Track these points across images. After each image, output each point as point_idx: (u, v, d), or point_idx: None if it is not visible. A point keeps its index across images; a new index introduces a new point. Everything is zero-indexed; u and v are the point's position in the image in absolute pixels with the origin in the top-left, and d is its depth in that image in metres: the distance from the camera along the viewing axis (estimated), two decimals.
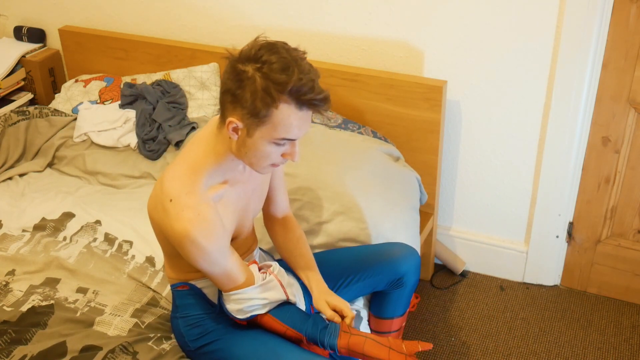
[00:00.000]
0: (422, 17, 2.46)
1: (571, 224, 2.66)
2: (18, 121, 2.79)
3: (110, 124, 2.74)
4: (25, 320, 1.97)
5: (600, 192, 2.55)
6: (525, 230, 2.73)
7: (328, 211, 2.22)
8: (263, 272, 1.75)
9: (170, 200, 1.56)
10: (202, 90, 2.78)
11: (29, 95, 3.17)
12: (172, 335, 1.92)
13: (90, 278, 2.16)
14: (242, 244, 1.82)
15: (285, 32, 2.70)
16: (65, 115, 2.85)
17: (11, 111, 2.84)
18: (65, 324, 1.96)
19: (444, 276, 2.86)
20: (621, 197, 2.53)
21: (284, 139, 1.50)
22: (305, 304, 1.88)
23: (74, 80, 3.01)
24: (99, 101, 2.88)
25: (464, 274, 2.86)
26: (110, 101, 2.85)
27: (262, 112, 1.46)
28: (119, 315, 2.00)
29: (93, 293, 2.10)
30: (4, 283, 2.15)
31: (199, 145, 1.63)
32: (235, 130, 1.52)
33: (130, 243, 2.30)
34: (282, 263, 1.93)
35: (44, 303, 2.04)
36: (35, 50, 3.20)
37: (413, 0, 2.44)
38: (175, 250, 1.64)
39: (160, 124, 2.68)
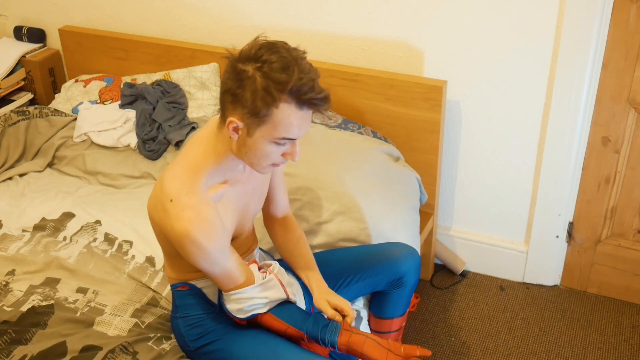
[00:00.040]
0: (422, 17, 2.46)
1: (571, 224, 2.66)
2: (18, 121, 2.79)
3: (110, 124, 2.74)
4: (25, 320, 1.97)
5: (600, 192, 2.55)
6: (525, 230, 2.73)
7: (328, 211, 2.22)
8: (263, 272, 1.75)
9: (171, 200, 1.56)
10: (202, 90, 2.78)
11: (29, 95, 3.17)
12: (172, 335, 1.92)
13: (90, 278, 2.16)
14: (242, 243, 1.82)
15: (285, 32, 2.70)
16: (65, 115, 2.85)
17: (11, 111, 2.84)
18: (65, 324, 1.96)
19: (444, 276, 2.86)
20: (621, 197, 2.53)
21: (284, 138, 1.51)
22: (305, 304, 1.89)
23: (74, 80, 3.01)
24: (99, 101, 2.88)
25: (464, 274, 2.86)
26: (110, 101, 2.85)
27: (263, 112, 1.46)
28: (119, 315, 2.00)
29: (93, 293, 2.10)
30: (4, 283, 2.15)
31: (199, 145, 1.63)
32: (236, 129, 1.52)
33: (130, 243, 2.30)
34: (282, 263, 1.93)
35: (44, 303, 2.04)
36: (35, 50, 3.20)
37: (413, 0, 2.45)
38: (175, 250, 1.64)
39: (160, 124, 2.68)
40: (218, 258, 1.60)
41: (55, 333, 1.92)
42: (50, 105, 2.92)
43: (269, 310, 1.73)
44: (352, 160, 2.36)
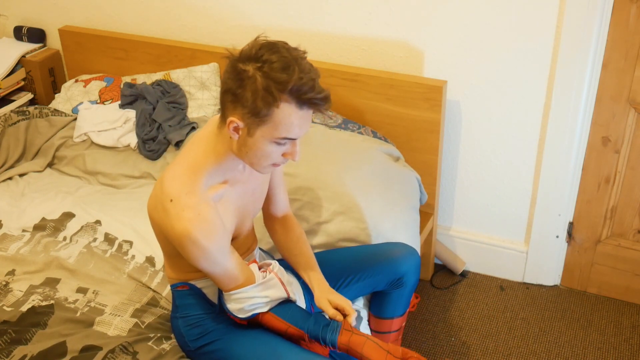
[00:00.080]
0: (422, 17, 2.46)
1: (571, 224, 2.66)
2: (18, 121, 2.79)
3: (110, 124, 2.74)
4: (25, 320, 1.97)
5: (600, 192, 2.55)
6: (525, 230, 2.73)
7: (328, 211, 2.22)
8: (263, 271, 1.75)
9: (171, 200, 1.56)
10: (202, 90, 2.78)
11: (29, 95, 3.17)
12: (172, 335, 1.92)
13: (90, 278, 2.16)
14: (242, 243, 1.82)
15: (285, 32, 2.70)
16: (65, 115, 2.85)
17: (11, 111, 2.84)
18: (65, 324, 1.96)
19: (444, 276, 2.86)
20: (621, 197, 2.53)
21: (284, 138, 1.51)
22: (306, 303, 1.89)
23: (74, 80, 3.01)
24: (99, 101, 2.88)
25: (464, 274, 2.86)
26: (110, 101, 2.85)
27: (263, 112, 1.46)
28: (119, 315, 2.00)
29: (93, 293, 2.10)
30: (4, 283, 2.15)
31: (199, 145, 1.63)
32: (236, 129, 1.52)
33: (130, 243, 2.30)
34: (283, 262, 1.93)
35: (44, 303, 2.04)
36: (35, 50, 3.20)
37: (413, 0, 2.45)
38: (175, 250, 1.64)
39: (160, 124, 2.68)
40: (218, 258, 1.60)
41: (55, 333, 1.92)
42: (50, 105, 2.92)
43: (269, 310, 1.73)
44: (352, 160, 2.36)
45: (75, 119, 2.83)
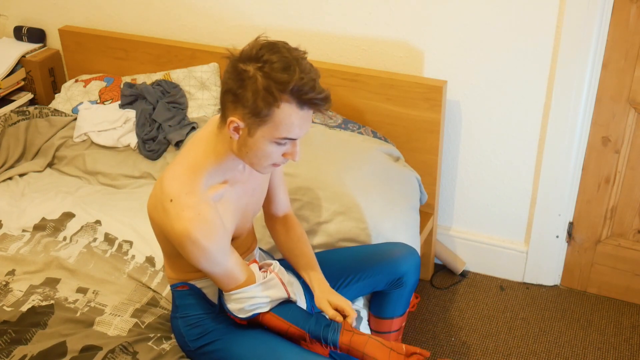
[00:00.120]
0: (422, 17, 2.46)
1: (571, 224, 2.66)
2: (18, 121, 2.79)
3: (110, 124, 2.74)
4: (25, 320, 1.97)
5: (600, 192, 2.56)
6: (525, 230, 2.73)
7: (328, 211, 2.22)
8: (264, 271, 1.75)
9: (171, 200, 1.56)
10: (202, 90, 2.78)
11: (29, 95, 3.17)
12: (172, 335, 1.92)
13: (90, 278, 2.16)
14: (242, 243, 1.82)
15: (285, 32, 2.70)
16: (65, 115, 2.85)
17: (11, 111, 2.84)
18: (65, 324, 1.96)
19: (444, 276, 2.86)
20: (621, 197, 2.53)
21: (285, 138, 1.51)
22: (306, 303, 1.89)
23: (74, 80, 3.01)
24: (99, 101, 2.88)
25: (464, 274, 2.86)
26: (110, 101, 2.85)
27: (264, 112, 1.46)
28: (119, 315, 2.00)
29: (93, 293, 2.10)
30: (4, 283, 2.15)
31: (199, 145, 1.63)
32: (237, 129, 1.52)
33: (130, 243, 2.30)
34: (283, 262, 1.93)
35: (44, 303, 2.04)
36: (35, 50, 3.20)
37: (413, 0, 2.45)
38: (175, 250, 1.64)
39: (160, 124, 2.68)
40: (218, 258, 1.60)
41: (55, 333, 1.92)
42: (50, 105, 2.92)
43: (270, 310, 1.73)
44: (352, 160, 2.36)
45: (75, 119, 2.83)
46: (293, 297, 1.77)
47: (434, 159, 2.55)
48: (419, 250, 2.28)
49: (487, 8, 2.36)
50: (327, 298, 1.78)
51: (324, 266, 1.91)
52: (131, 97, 2.79)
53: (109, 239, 2.32)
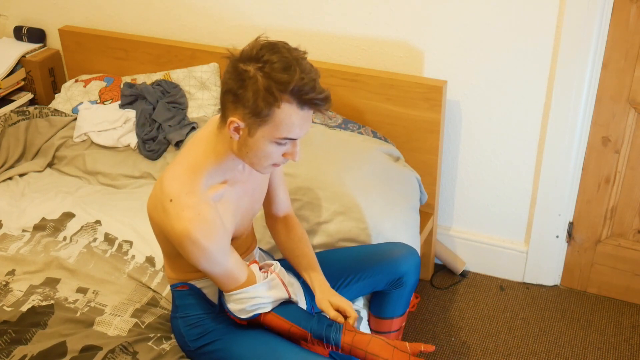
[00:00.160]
0: (422, 17, 2.46)
1: (571, 224, 2.66)
2: (18, 121, 2.79)
3: (110, 124, 2.74)
4: (25, 320, 1.97)
5: (600, 192, 2.56)
6: (525, 230, 2.73)
7: (328, 211, 2.22)
8: (264, 271, 1.75)
9: (170, 200, 1.56)
10: (202, 90, 2.78)
11: (29, 95, 3.17)
12: (172, 335, 1.92)
13: (90, 278, 2.16)
14: (241, 243, 1.82)
15: (285, 32, 2.70)
16: (65, 115, 2.85)
17: (11, 111, 2.84)
18: (65, 324, 1.96)
19: (444, 276, 2.86)
20: (621, 197, 2.53)
21: (285, 138, 1.51)
22: (306, 304, 1.88)
23: (74, 80, 3.01)
24: (99, 101, 2.88)
25: (464, 274, 2.86)
26: (110, 101, 2.85)
27: (264, 112, 1.46)
28: (119, 315, 2.00)
29: (93, 293, 2.10)
30: (4, 283, 2.15)
31: (199, 145, 1.63)
32: (237, 130, 1.52)
33: (130, 243, 2.30)
34: (283, 263, 1.93)
35: (44, 303, 2.04)
36: (35, 50, 3.20)
37: (413, 0, 2.45)
38: (175, 250, 1.64)
39: (160, 124, 2.68)
40: (218, 258, 1.60)
41: (55, 333, 1.92)
42: (50, 105, 2.92)
43: (272, 310, 1.73)
44: (352, 160, 2.36)
45: (75, 119, 2.83)
46: (294, 297, 1.77)
47: (434, 159, 2.55)
48: (419, 250, 2.28)
49: (487, 8, 2.36)
50: (328, 299, 1.78)
51: (324, 266, 1.91)
52: (131, 97, 2.79)
53: (109, 239, 2.32)
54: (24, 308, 2.02)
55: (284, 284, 1.74)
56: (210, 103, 2.78)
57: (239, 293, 1.68)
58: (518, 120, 2.51)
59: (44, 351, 1.85)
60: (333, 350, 1.74)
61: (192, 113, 2.76)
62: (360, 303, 2.11)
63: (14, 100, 3.09)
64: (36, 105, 2.90)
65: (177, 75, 2.81)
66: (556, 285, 2.79)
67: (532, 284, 2.79)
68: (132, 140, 2.70)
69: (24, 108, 2.86)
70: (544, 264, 2.73)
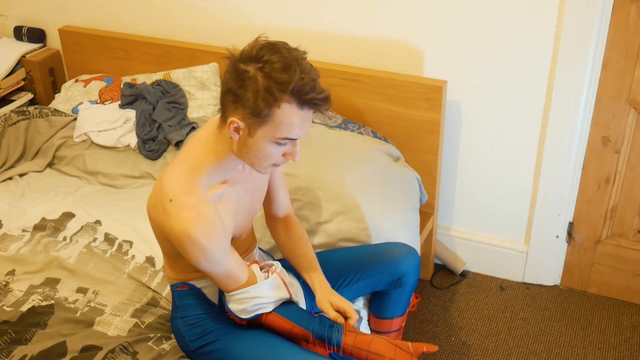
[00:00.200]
0: (422, 17, 2.46)
1: (571, 224, 2.66)
2: (18, 121, 2.79)
3: (110, 124, 2.74)
4: (25, 320, 1.97)
5: (600, 192, 2.56)
6: (525, 230, 2.73)
7: (328, 211, 2.22)
8: (265, 272, 1.75)
9: (170, 200, 1.56)
10: (202, 90, 2.78)
11: (29, 95, 3.17)
12: (172, 335, 1.92)
13: (90, 278, 2.16)
14: (241, 243, 1.82)
15: (285, 32, 2.70)
16: (65, 115, 2.85)
17: (11, 111, 2.84)
18: (65, 324, 1.96)
19: (444, 276, 2.86)
20: (621, 197, 2.53)
21: (285, 138, 1.51)
22: (306, 304, 1.88)
23: (74, 80, 3.01)
24: (99, 101, 2.88)
25: (464, 274, 2.86)
26: (110, 101, 2.86)
27: (264, 112, 1.46)
28: (119, 315, 2.00)
29: (93, 293, 2.10)
30: (4, 283, 2.15)
31: (199, 145, 1.63)
32: (237, 130, 1.52)
33: (130, 243, 2.30)
34: (283, 263, 1.93)
35: (44, 303, 2.04)
36: (35, 50, 3.20)
37: (413, 0, 2.45)
38: (174, 250, 1.64)
39: (160, 124, 2.68)
40: (218, 258, 1.60)
41: (55, 333, 1.92)
42: (50, 105, 2.92)
43: (273, 310, 1.73)
44: (352, 160, 2.36)
45: (75, 119, 2.83)
46: (295, 298, 1.77)
47: (434, 159, 2.55)
48: (419, 250, 2.28)
49: (487, 8, 2.36)
50: (329, 299, 1.78)
51: (324, 266, 1.91)
52: (131, 97, 2.79)
53: (109, 239, 2.32)
54: (24, 308, 2.02)
55: (285, 284, 1.74)
56: (210, 103, 2.78)
57: (240, 293, 1.68)
58: (518, 120, 2.51)
59: (44, 351, 1.85)
60: (334, 352, 1.74)
61: (192, 113, 2.76)
62: (360, 303, 2.11)
63: (14, 100, 3.09)
64: (36, 105, 2.90)
65: (177, 75, 2.81)
66: (556, 285, 2.79)
67: (532, 284, 2.79)
68: (132, 140, 2.70)
69: (24, 108, 2.87)
70: (544, 264, 2.73)
